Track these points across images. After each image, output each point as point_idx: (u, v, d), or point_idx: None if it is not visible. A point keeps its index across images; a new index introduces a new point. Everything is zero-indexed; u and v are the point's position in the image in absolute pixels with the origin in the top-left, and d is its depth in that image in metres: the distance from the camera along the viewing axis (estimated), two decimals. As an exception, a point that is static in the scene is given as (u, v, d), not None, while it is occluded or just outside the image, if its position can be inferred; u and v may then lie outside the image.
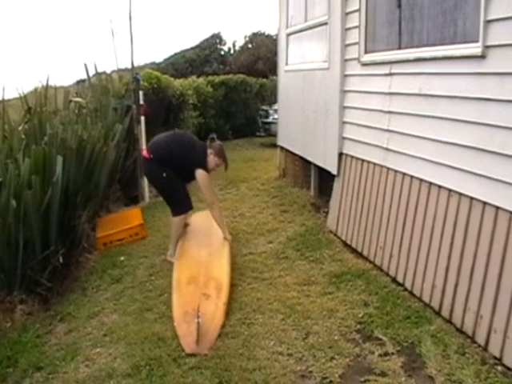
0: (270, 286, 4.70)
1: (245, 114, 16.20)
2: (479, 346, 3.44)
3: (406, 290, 4.39)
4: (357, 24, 5.39)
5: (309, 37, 7.32)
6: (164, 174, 5.27)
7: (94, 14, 44.60)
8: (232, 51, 23.89)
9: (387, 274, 4.72)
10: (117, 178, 8.04)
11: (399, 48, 4.71)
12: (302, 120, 7.56)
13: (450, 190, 3.93)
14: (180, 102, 10.77)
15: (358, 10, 5.33)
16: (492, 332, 3.35)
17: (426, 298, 4.11)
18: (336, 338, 3.74)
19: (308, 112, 7.23)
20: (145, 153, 5.55)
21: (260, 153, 13.04)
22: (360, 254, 5.28)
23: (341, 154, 6.02)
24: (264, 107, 16.22)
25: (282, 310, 4.21)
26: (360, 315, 4.04)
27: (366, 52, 5.29)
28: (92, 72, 9.76)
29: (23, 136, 6.80)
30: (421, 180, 4.34)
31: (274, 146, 10.36)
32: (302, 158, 7.81)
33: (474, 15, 3.57)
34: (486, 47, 3.43)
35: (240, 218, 6.92)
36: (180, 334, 3.85)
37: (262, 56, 21.63)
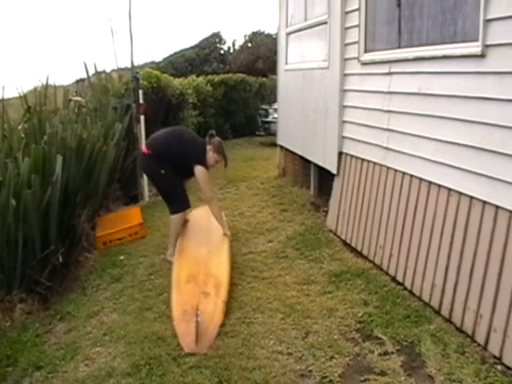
0: (270, 285, 4.70)
1: (244, 113, 16.20)
2: (479, 345, 3.45)
3: (405, 289, 4.39)
4: (356, 23, 5.39)
5: (308, 36, 7.32)
6: (162, 171, 5.27)
7: (94, 13, 44.58)
8: (232, 50, 23.88)
9: (387, 273, 4.72)
10: (116, 177, 8.04)
11: (399, 47, 4.71)
12: (301, 119, 7.55)
13: (449, 189, 3.93)
14: (180, 101, 10.76)
15: (358, 9, 5.33)
16: (492, 331, 3.35)
17: (425, 297, 4.11)
18: (336, 337, 3.75)
19: (308, 111, 7.22)
20: (144, 149, 5.55)
21: (260, 152, 13.03)
22: (360, 253, 5.28)
23: (340, 153, 6.02)
24: (264, 106, 16.21)
25: (282, 309, 4.21)
26: (360, 314, 4.04)
27: (366, 51, 5.29)
28: (92, 71, 9.77)
29: (23, 135, 6.79)
30: (420, 179, 4.34)
31: (274, 145, 10.36)
32: (301, 157, 7.81)
33: (473, 14, 3.57)
34: (486, 46, 3.43)
35: (240, 217, 6.92)
36: (179, 333, 3.84)
37: (261, 55, 21.62)
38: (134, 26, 8.48)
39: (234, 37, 33.26)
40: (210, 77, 15.81)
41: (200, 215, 6.02)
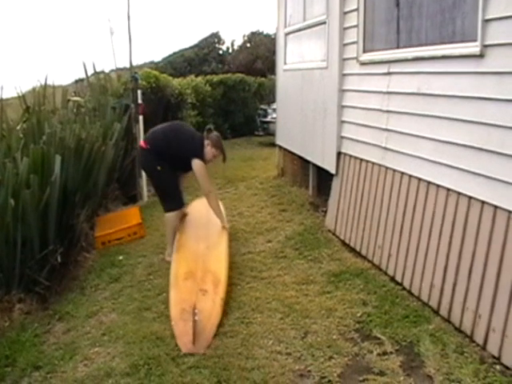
0: (269, 285, 4.70)
1: (243, 113, 16.21)
2: (478, 345, 3.45)
3: (404, 289, 4.40)
4: (355, 23, 5.39)
5: (307, 36, 7.32)
6: (158, 167, 5.26)
7: (93, 13, 44.55)
8: (230, 50, 23.88)
9: (386, 273, 4.73)
10: (115, 177, 8.03)
11: (398, 47, 4.71)
12: (300, 119, 7.55)
13: (448, 190, 3.93)
14: (178, 101, 10.77)
15: (357, 9, 5.34)
16: (490, 331, 3.36)
17: (424, 297, 4.12)
18: (335, 337, 3.74)
19: (306, 111, 7.23)
20: (142, 143, 5.54)
21: (259, 152, 13.03)
22: (358, 253, 5.28)
23: (339, 154, 6.02)
24: (262, 106, 16.22)
25: (281, 309, 4.21)
26: (359, 314, 4.04)
27: (365, 51, 5.29)
28: (90, 71, 9.79)
29: (21, 135, 6.79)
30: (419, 179, 4.34)
31: (273, 145, 10.36)
32: (300, 158, 7.81)
33: (472, 14, 3.58)
34: (485, 46, 3.43)
35: (239, 217, 6.92)
36: (177, 333, 3.84)
37: (260, 55, 21.63)
38: (132, 26, 8.49)
39: (232, 37, 33.38)
40: (208, 77, 15.81)
41: (199, 208, 5.99)
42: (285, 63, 8.60)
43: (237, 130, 15.66)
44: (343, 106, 5.88)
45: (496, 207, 3.40)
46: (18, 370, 3.80)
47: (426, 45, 4.24)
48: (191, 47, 23.72)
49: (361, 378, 3.24)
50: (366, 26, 5.27)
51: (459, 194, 3.79)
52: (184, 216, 5.75)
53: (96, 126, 7.25)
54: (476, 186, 3.59)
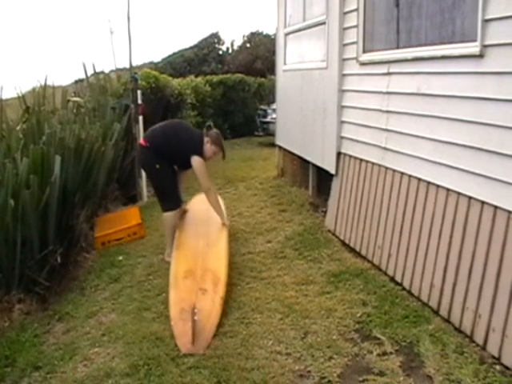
0: (269, 286, 4.70)
1: (243, 113, 16.21)
2: (477, 345, 3.45)
3: (404, 289, 4.40)
4: (355, 23, 5.39)
5: (307, 36, 7.32)
6: (157, 166, 5.26)
7: (93, 13, 44.56)
8: (230, 51, 23.88)
9: (385, 274, 4.72)
10: (115, 177, 8.03)
11: (397, 47, 4.71)
12: (300, 119, 7.55)
13: (448, 190, 3.93)
14: (178, 101, 10.78)
15: (356, 10, 5.33)
16: (490, 331, 3.36)
17: (424, 298, 4.11)
18: (334, 337, 3.74)
19: (306, 111, 7.23)
20: (141, 141, 5.53)
21: (258, 152, 13.03)
22: (358, 254, 5.28)
23: (339, 154, 6.02)
24: (262, 107, 16.22)
25: (281, 310, 4.20)
26: (358, 315, 4.04)
27: (364, 51, 5.29)
28: (90, 71, 9.78)
29: (21, 135, 6.80)
30: (419, 179, 4.34)
31: (273, 145, 10.36)
32: (300, 158, 7.81)
33: (472, 14, 3.58)
34: (484, 46, 3.43)
35: (238, 217, 6.92)
36: (176, 333, 3.84)
37: (260, 55, 21.63)
38: (132, 26, 8.50)
39: (232, 37, 33.38)
40: (208, 77, 15.82)
41: (199, 205, 5.96)
42: (284, 63, 8.60)
43: (236, 131, 15.65)
44: (343, 107, 5.88)
45: (496, 207, 3.40)
46: (18, 370, 3.80)
47: (425, 45, 4.24)
48: (191, 47, 23.72)
49: (360, 379, 3.23)
50: (365, 27, 5.27)
51: (459, 194, 3.79)
52: (184, 213, 5.75)
53: (96, 127, 7.25)
54: (476, 186, 3.59)
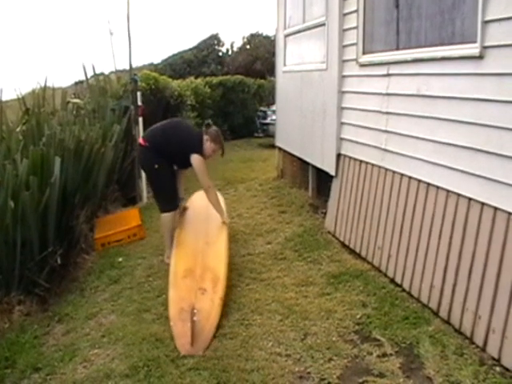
0: (268, 287, 4.70)
1: (243, 114, 16.21)
2: (477, 346, 3.44)
3: (404, 290, 4.39)
4: (355, 25, 5.39)
5: (307, 38, 7.33)
6: (156, 166, 5.25)
7: (93, 14, 44.63)
8: (230, 52, 23.88)
9: (385, 275, 4.72)
10: (115, 178, 8.04)
11: (397, 49, 4.71)
12: (299, 121, 7.56)
13: (448, 191, 3.93)
14: (178, 102, 10.79)
15: (356, 11, 5.34)
16: (490, 332, 3.35)
17: (424, 299, 4.11)
18: (334, 338, 3.74)
19: (306, 113, 7.23)
20: (141, 140, 5.53)
21: (258, 153, 13.03)
22: (358, 255, 5.28)
23: (339, 155, 6.02)
24: (262, 108, 16.25)
25: (280, 311, 4.20)
26: (358, 316, 4.03)
27: (364, 53, 5.29)
28: (90, 73, 9.79)
29: (21, 137, 6.80)
30: (419, 181, 4.34)
31: (272, 146, 10.36)
32: (300, 159, 7.81)
33: (471, 15, 3.58)
34: (484, 48, 3.43)
35: (238, 218, 6.92)
36: (175, 334, 3.84)
37: (259, 57, 21.62)
38: (132, 27, 8.52)
39: (232, 38, 33.32)
40: (208, 78, 15.82)
41: (199, 202, 5.92)
42: (284, 65, 8.61)
43: (236, 132, 15.65)
44: (343, 108, 5.88)
45: (496, 208, 3.40)
46: (18, 371, 3.80)
47: (425, 46, 4.25)
48: (190, 49, 23.71)
49: (360, 380, 3.23)
50: (365, 28, 5.27)
51: (459, 195, 3.79)
52: (184, 210, 5.74)
53: (95, 128, 7.26)
54: (476, 187, 3.59)
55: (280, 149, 9.15)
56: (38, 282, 5.11)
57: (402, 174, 4.61)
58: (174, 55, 23.93)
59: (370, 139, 5.18)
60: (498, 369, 3.21)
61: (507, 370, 3.17)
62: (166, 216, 5.38)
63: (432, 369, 3.27)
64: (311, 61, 7.08)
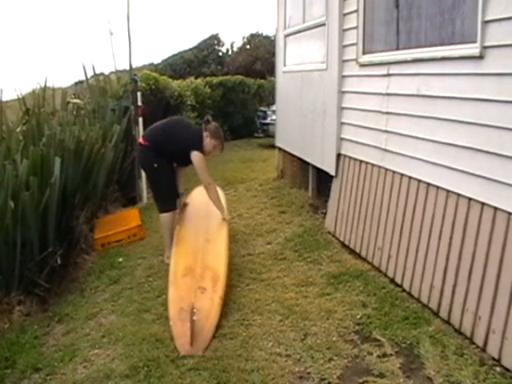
0: (268, 287, 4.70)
1: (243, 114, 16.21)
2: (477, 346, 3.44)
3: (404, 290, 4.39)
4: (355, 25, 5.39)
5: (307, 38, 7.32)
6: (155, 165, 5.25)
7: (93, 15, 44.64)
8: (230, 52, 23.88)
9: (385, 275, 4.72)
10: (115, 178, 8.04)
11: (397, 49, 4.71)
12: (299, 121, 7.56)
13: (448, 191, 3.93)
14: (178, 102, 10.79)
15: (356, 11, 5.34)
16: (490, 333, 3.35)
17: (424, 299, 4.11)
18: (334, 339, 3.74)
19: (306, 113, 7.23)
20: (141, 140, 5.52)
21: (258, 153, 13.03)
22: (358, 255, 5.28)
23: (339, 155, 6.02)
24: (262, 108, 16.25)
25: (280, 311, 4.20)
26: (358, 316, 4.03)
27: (364, 53, 5.29)
28: (90, 73, 9.79)
29: (21, 137, 6.80)
30: (419, 181, 4.34)
31: (272, 146, 10.35)
32: (300, 159, 7.81)
33: (471, 15, 3.58)
34: (484, 48, 3.43)
35: (238, 218, 6.92)
36: (175, 333, 3.84)
37: (260, 57, 21.63)
38: (132, 27, 8.52)
39: (232, 39, 33.32)
40: (208, 78, 15.83)
41: (199, 198, 5.88)
42: (284, 65, 8.60)
43: (236, 132, 15.65)
44: (343, 108, 5.88)
45: (496, 208, 3.40)
46: (18, 371, 3.80)
47: (425, 46, 4.24)
48: (190, 49, 23.71)
49: (360, 380, 3.23)
50: (365, 28, 5.27)
51: (459, 195, 3.79)
52: (184, 206, 5.73)
53: (95, 128, 7.26)
54: (476, 187, 3.59)
55: (280, 149, 9.15)
56: (38, 282, 5.11)
57: (402, 174, 4.61)
58: (174, 55, 23.93)
59: (370, 139, 5.18)
60: (498, 369, 3.21)
61: (507, 370, 3.17)
62: (165, 216, 5.37)
63: (432, 369, 3.27)
64: (311, 61, 7.08)
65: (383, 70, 4.86)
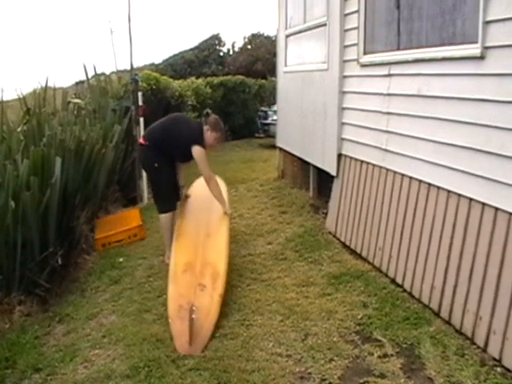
0: (269, 287, 4.69)
1: (243, 114, 16.23)
2: (478, 347, 3.44)
3: (405, 291, 4.39)
4: (356, 25, 5.39)
5: (308, 38, 7.32)
6: (156, 165, 5.24)
7: (94, 15, 44.65)
8: (231, 52, 23.92)
9: (386, 275, 4.72)
10: (115, 179, 8.04)
11: (398, 49, 4.71)
12: (300, 121, 7.55)
13: (448, 191, 3.93)
14: (179, 102, 10.80)
15: (357, 11, 5.33)
16: (491, 333, 3.35)
17: (425, 299, 4.11)
18: (335, 339, 3.74)
19: (307, 113, 7.22)
20: (141, 140, 5.51)
21: (259, 154, 13.03)
22: (359, 255, 5.27)
23: (340, 155, 6.01)
24: (263, 108, 16.25)
25: (281, 311, 4.20)
26: (359, 316, 4.03)
27: (365, 53, 5.29)
28: (91, 73, 9.81)
29: (22, 137, 6.81)
30: (420, 181, 4.34)
31: (273, 147, 10.36)
32: (300, 159, 7.81)
33: (472, 16, 3.57)
34: (485, 48, 3.43)
35: (239, 218, 6.91)
36: (173, 332, 3.84)
37: (260, 57, 21.65)
38: (133, 28, 8.54)
39: (233, 39, 33.38)
40: (209, 79, 15.85)
41: (200, 190, 5.76)
42: (285, 65, 8.60)
43: (237, 132, 15.66)
44: (343, 108, 5.88)
45: (497, 209, 3.39)
46: (18, 372, 3.80)
47: (426, 46, 4.24)
48: (191, 49, 23.76)
49: (361, 381, 3.23)
50: (366, 28, 5.27)
51: (460, 195, 3.78)
52: (186, 198, 5.71)
53: (96, 128, 7.26)
54: (476, 187, 3.58)
55: (281, 149, 9.14)
56: (38, 282, 5.11)
57: (403, 175, 4.60)
58: (174, 55, 23.98)
59: (370, 139, 5.18)
60: (498, 369, 3.20)
61: (508, 370, 3.17)
62: (165, 217, 5.37)
63: (433, 369, 3.27)
64: (312, 61, 7.08)
65: (384, 71, 4.85)
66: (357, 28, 5.37)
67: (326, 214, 6.41)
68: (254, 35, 23.78)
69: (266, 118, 15.53)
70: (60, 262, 5.48)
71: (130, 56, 8.56)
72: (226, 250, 4.71)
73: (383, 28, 5.05)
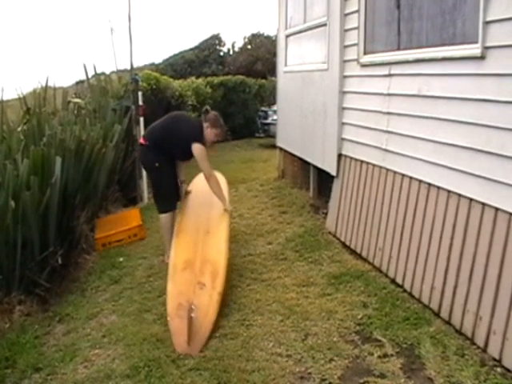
0: (269, 287, 4.69)
1: (244, 114, 16.23)
2: (478, 347, 3.44)
3: (405, 291, 4.39)
4: (356, 25, 5.39)
5: (308, 38, 7.32)
6: (156, 164, 5.24)
7: (94, 14, 44.65)
8: (231, 52, 23.91)
9: (386, 275, 4.72)
10: (115, 178, 8.04)
11: (398, 49, 4.71)
12: (300, 121, 7.55)
13: (449, 191, 3.93)
14: (179, 102, 10.80)
15: (357, 11, 5.33)
16: (491, 333, 3.35)
17: (425, 300, 4.11)
18: (335, 339, 3.74)
19: (307, 113, 7.22)
20: (141, 140, 5.51)
21: (259, 154, 13.03)
22: (359, 255, 5.27)
23: (340, 155, 6.01)
24: (263, 108, 16.25)
25: (281, 311, 4.20)
26: (359, 316, 4.03)
27: (365, 53, 5.29)
28: (91, 73, 9.81)
29: (22, 137, 6.81)
30: (420, 181, 4.34)
31: (273, 147, 10.35)
32: (301, 159, 7.81)
33: (473, 16, 3.57)
34: (486, 48, 3.43)
35: (239, 218, 6.91)
36: (172, 331, 3.84)
37: (261, 57, 21.65)
38: (133, 27, 8.54)
39: (233, 39, 33.37)
40: (209, 78, 15.86)
41: (201, 186, 5.72)
42: (285, 65, 8.60)
43: (237, 132, 15.66)
44: (344, 108, 5.87)
45: (497, 209, 3.39)
46: (18, 371, 3.80)
47: (426, 46, 4.24)
48: (192, 49, 23.76)
49: (361, 381, 3.23)
50: (366, 28, 5.27)
51: (460, 195, 3.78)
52: (187, 194, 5.70)
53: (96, 128, 7.26)
54: (477, 187, 3.58)
55: (281, 149, 9.14)
56: (38, 282, 5.11)
57: (403, 175, 4.60)
58: (175, 55, 23.98)
59: (370, 139, 5.18)
60: (498, 369, 3.20)
61: (508, 370, 3.17)
62: (165, 216, 5.37)
63: (433, 369, 3.27)
64: (312, 61, 7.08)
65: (384, 71, 4.85)
66: (357, 28, 5.37)
67: (326, 214, 6.41)
68: (254, 35, 23.78)
69: (266, 118, 15.53)
70: (60, 261, 5.48)
71: (130, 56, 8.57)
72: (225, 247, 4.69)
73: (383, 28, 5.05)
